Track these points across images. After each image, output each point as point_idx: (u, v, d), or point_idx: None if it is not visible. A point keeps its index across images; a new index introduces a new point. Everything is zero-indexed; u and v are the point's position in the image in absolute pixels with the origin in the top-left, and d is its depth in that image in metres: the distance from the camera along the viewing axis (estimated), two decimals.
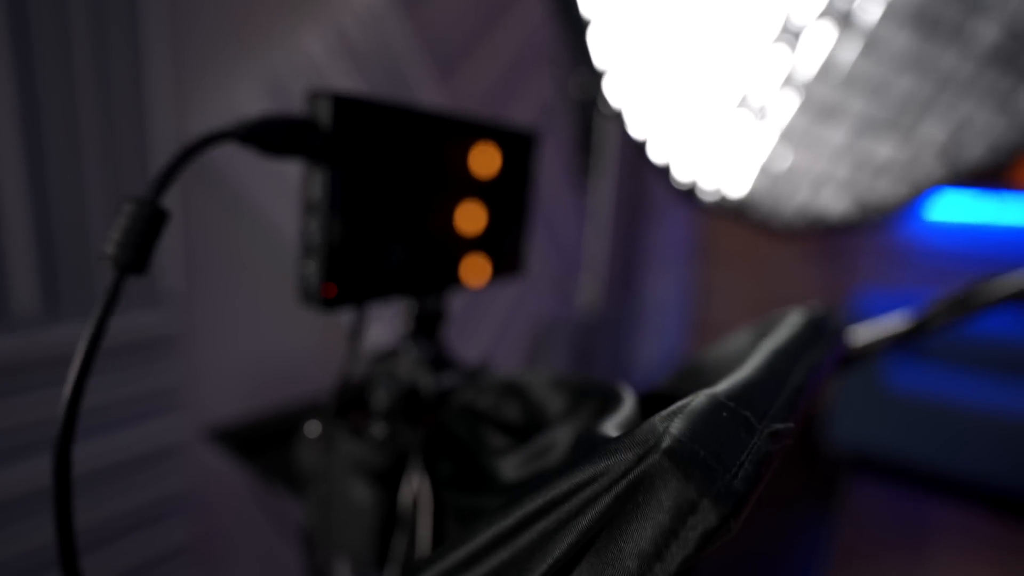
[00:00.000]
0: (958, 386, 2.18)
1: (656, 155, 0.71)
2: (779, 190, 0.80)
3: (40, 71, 0.72)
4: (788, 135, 0.75)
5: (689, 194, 0.75)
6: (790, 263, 3.01)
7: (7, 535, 0.76)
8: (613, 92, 0.66)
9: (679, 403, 0.19)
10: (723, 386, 0.21)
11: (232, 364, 1.03)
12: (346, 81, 1.22)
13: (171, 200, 0.87)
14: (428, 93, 1.44)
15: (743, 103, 0.73)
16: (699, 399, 0.19)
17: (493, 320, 1.73)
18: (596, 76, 0.62)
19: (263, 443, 0.43)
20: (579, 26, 0.57)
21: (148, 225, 0.23)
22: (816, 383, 0.27)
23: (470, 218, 0.38)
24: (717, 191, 0.76)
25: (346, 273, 0.31)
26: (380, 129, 0.31)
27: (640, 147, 0.70)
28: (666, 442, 0.16)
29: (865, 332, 0.43)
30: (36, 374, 0.78)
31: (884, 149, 0.80)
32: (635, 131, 0.68)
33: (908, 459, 2.16)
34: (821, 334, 0.31)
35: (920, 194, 0.86)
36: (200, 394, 0.99)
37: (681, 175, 0.75)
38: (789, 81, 0.71)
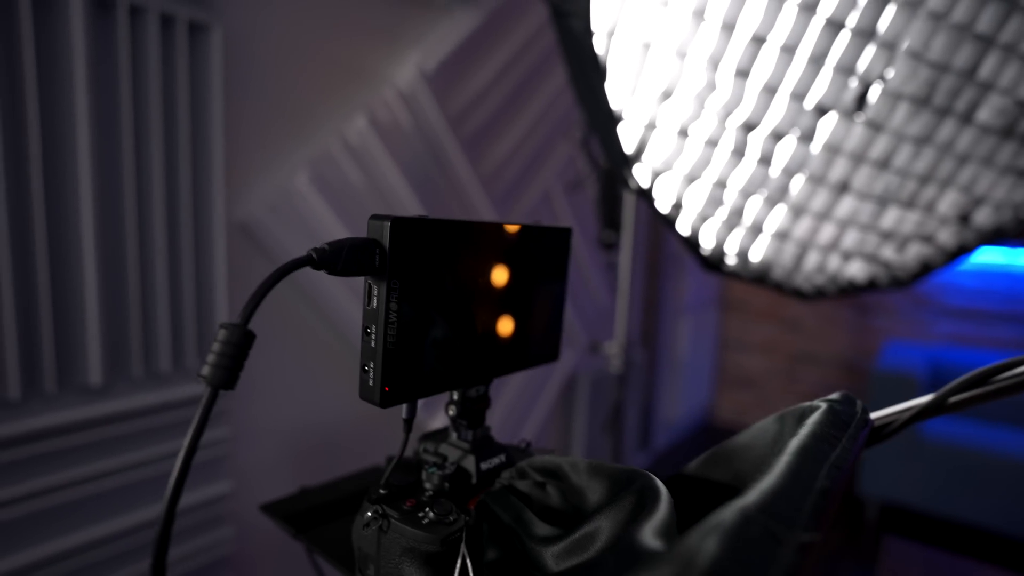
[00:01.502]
0: (991, 437, 2.11)
1: (683, 228, 0.74)
2: (806, 257, 0.82)
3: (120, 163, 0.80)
4: (811, 209, 0.78)
5: (715, 262, 0.77)
6: (818, 315, 2.97)
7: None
8: (640, 173, 0.69)
9: (713, 520, 0.21)
10: (752, 497, 0.23)
11: (277, 430, 1.07)
12: (383, 158, 1.30)
13: (219, 270, 0.93)
14: (459, 168, 1.51)
15: (764, 184, 0.76)
16: (730, 514, 0.21)
17: (524, 376, 1.75)
18: (624, 159, 0.66)
19: (311, 515, 0.46)
20: (610, 120, 0.61)
21: (237, 348, 0.26)
22: (842, 480, 0.29)
23: (507, 321, 0.41)
24: (742, 258, 0.78)
25: (399, 375, 0.34)
26: (432, 244, 0.34)
27: (668, 220, 0.73)
28: (703, 562, 0.18)
29: (887, 414, 0.44)
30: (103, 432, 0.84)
31: (908, 221, 0.81)
32: (662, 206, 0.72)
33: (939, 511, 2.08)
34: (846, 428, 0.33)
35: (950, 259, 0.87)
36: (247, 459, 1.04)
37: (706, 243, 0.78)
38: (805, 164, 0.74)
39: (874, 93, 0.70)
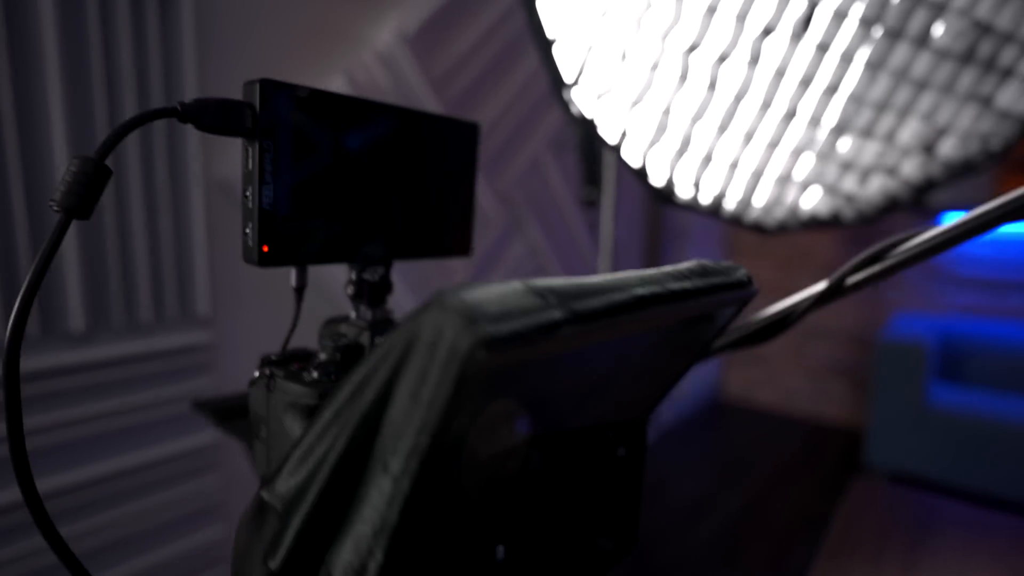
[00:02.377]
0: (1001, 406, 2.07)
1: (630, 156, 0.74)
2: (761, 188, 0.81)
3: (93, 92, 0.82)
4: (762, 137, 0.77)
5: (666, 194, 0.77)
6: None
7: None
8: (582, 98, 0.70)
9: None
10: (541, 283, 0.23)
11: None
12: None
13: (197, 225, 0.96)
14: None
15: (711, 111, 0.76)
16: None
17: None
18: (561, 83, 0.67)
19: (240, 413, 0.48)
20: (546, 42, 0.62)
21: (92, 179, 0.28)
22: (676, 304, 0.29)
23: (402, 204, 0.42)
24: (694, 189, 0.78)
25: (280, 238, 0.35)
26: (311, 113, 0.36)
27: (615, 148, 0.73)
28: (445, 297, 0.19)
29: (790, 304, 0.44)
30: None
31: (868, 151, 0.80)
32: (607, 134, 0.72)
33: (947, 479, 2.04)
34: (707, 272, 0.33)
35: (919, 193, 0.86)
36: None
37: (656, 173, 0.78)
38: (753, 89, 0.74)
39: (821, 14, 0.70)
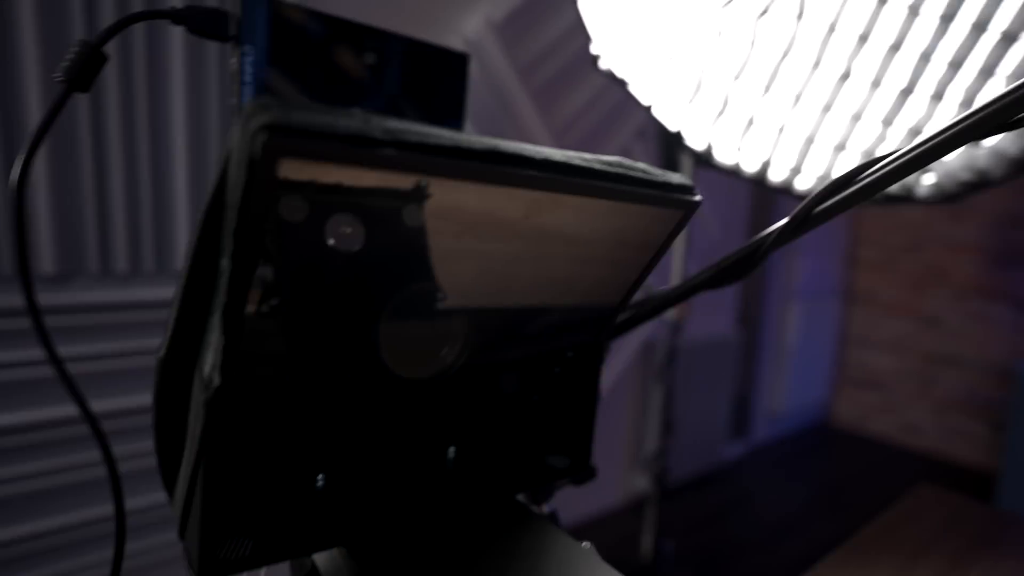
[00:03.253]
0: None
1: (664, 116, 0.73)
2: (814, 155, 0.76)
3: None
4: (813, 99, 0.73)
5: (705, 156, 0.75)
6: (963, 311, 2.57)
7: None
8: (610, 56, 0.70)
9: None
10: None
11: None
12: None
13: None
14: (529, 118, 1.56)
15: (753, 68, 0.73)
16: None
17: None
18: (589, 39, 0.68)
19: None
20: None
21: (91, 60, 0.35)
22: (574, 187, 0.30)
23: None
24: (736, 153, 0.75)
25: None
26: (288, 22, 0.41)
27: (648, 108, 0.73)
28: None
29: (754, 240, 0.43)
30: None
31: (944, 116, 0.73)
32: (641, 94, 0.72)
33: None
34: (625, 166, 0.33)
35: (1015, 165, 0.76)
36: None
37: (693, 134, 0.76)
38: (800, 45, 0.70)
39: None
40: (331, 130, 0.22)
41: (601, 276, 0.38)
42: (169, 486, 0.31)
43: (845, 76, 0.71)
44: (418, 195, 0.29)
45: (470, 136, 0.26)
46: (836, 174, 0.79)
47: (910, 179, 0.77)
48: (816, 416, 2.98)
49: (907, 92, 0.72)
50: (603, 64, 0.70)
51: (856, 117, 0.74)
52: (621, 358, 1.85)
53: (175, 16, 0.38)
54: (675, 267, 1.38)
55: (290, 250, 0.27)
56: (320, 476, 0.35)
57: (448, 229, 0.31)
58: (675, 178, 0.35)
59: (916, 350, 2.74)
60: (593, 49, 0.70)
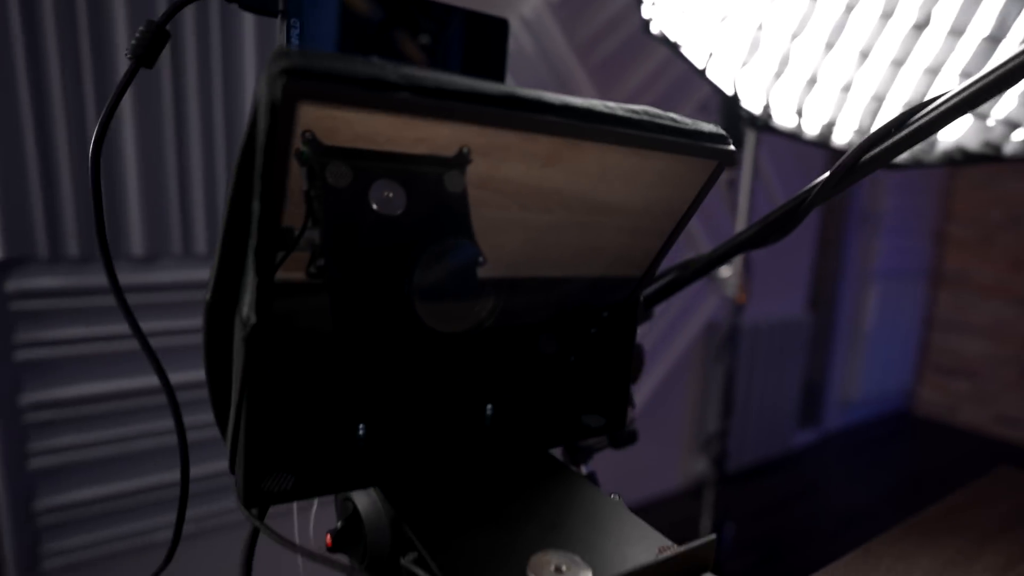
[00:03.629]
0: None
1: (718, 78, 0.71)
2: (885, 114, 0.72)
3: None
4: (884, 54, 0.68)
5: (763, 120, 0.72)
6: None
7: None
8: (658, 13, 0.68)
9: None
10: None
11: None
12: (508, 82, 1.39)
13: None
14: (588, 96, 1.54)
15: (832, 39, 0.69)
16: None
17: (665, 316, 1.72)
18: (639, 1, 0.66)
19: None
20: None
21: (155, 38, 0.38)
22: (601, 134, 0.29)
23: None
24: (797, 115, 0.72)
25: None
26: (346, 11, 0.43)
27: (700, 71, 0.70)
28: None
29: (799, 193, 0.41)
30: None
31: None
32: (691, 53, 0.70)
33: None
34: (652, 114, 0.32)
35: None
36: None
37: (750, 96, 0.74)
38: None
39: None
40: (349, 74, 0.22)
41: (635, 234, 0.38)
42: (222, 425, 0.34)
43: (921, 25, 0.66)
44: (460, 161, 0.30)
45: (490, 83, 0.27)
46: None
47: (997, 136, 0.71)
48: (895, 404, 2.81)
49: (994, 40, 0.66)
50: (654, 28, 0.68)
51: (932, 71, 0.68)
52: (683, 339, 1.82)
53: None
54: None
55: (335, 214, 0.28)
56: (361, 426, 0.37)
57: (487, 199, 0.31)
58: (706, 127, 0.34)
59: (1015, 335, 2.52)
60: (644, 13, 0.68)
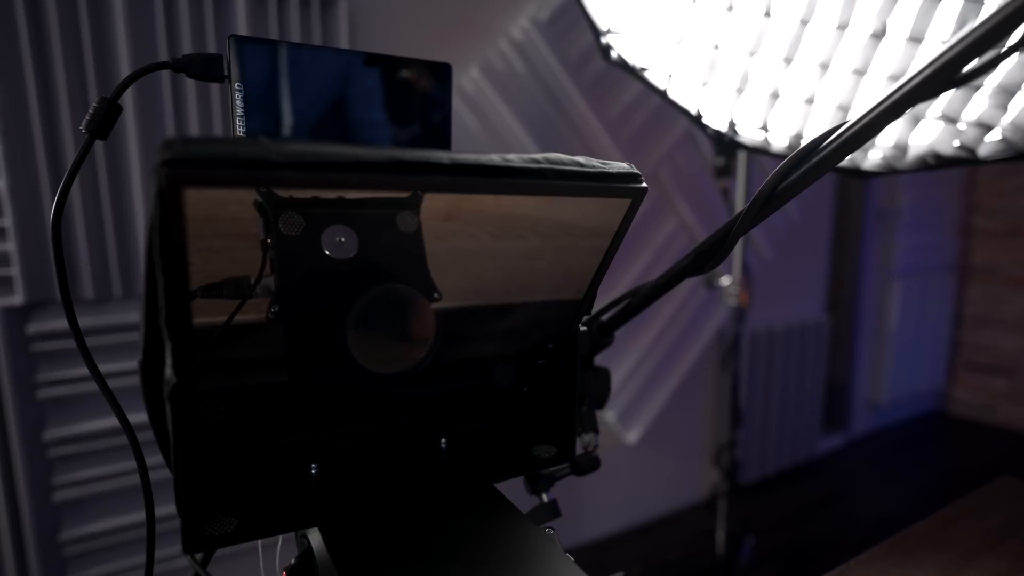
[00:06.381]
0: None
1: (680, 99, 0.72)
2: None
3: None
4: (846, 64, 0.68)
5: (728, 138, 0.73)
6: None
7: None
8: (621, 44, 0.70)
9: None
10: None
11: None
12: (498, 104, 1.41)
13: None
14: (581, 112, 1.55)
15: (791, 53, 0.69)
16: None
17: (675, 325, 1.71)
18: (597, 32, 0.68)
19: None
20: None
21: (108, 113, 0.41)
22: (493, 186, 0.31)
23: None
24: (762, 131, 0.72)
25: None
26: (271, 61, 0.45)
27: (662, 93, 0.71)
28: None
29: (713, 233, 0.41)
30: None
31: (1013, 71, 0.66)
32: (655, 79, 0.71)
33: None
34: (552, 161, 0.33)
35: None
36: None
37: (713, 115, 0.74)
38: (821, 9, 0.66)
39: None
40: (231, 157, 0.25)
41: (563, 270, 0.39)
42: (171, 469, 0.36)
43: (879, 34, 0.66)
44: (414, 201, 0.32)
45: (377, 149, 0.28)
46: (879, 139, 0.74)
47: (970, 138, 0.70)
48: (928, 405, 2.72)
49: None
50: (614, 54, 0.70)
51: (895, 77, 0.68)
52: (695, 349, 1.80)
53: (175, 65, 0.43)
54: (735, 258, 1.32)
55: (288, 261, 0.31)
56: (313, 466, 0.39)
57: (457, 230, 0.33)
58: (615, 167, 0.35)
59: None
60: (603, 40, 0.70)
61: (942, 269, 2.59)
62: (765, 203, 0.39)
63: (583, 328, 0.47)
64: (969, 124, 0.69)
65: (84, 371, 1.08)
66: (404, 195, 0.31)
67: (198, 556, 0.34)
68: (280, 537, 0.47)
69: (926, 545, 0.59)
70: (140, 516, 1.14)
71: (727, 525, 1.40)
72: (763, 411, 2.00)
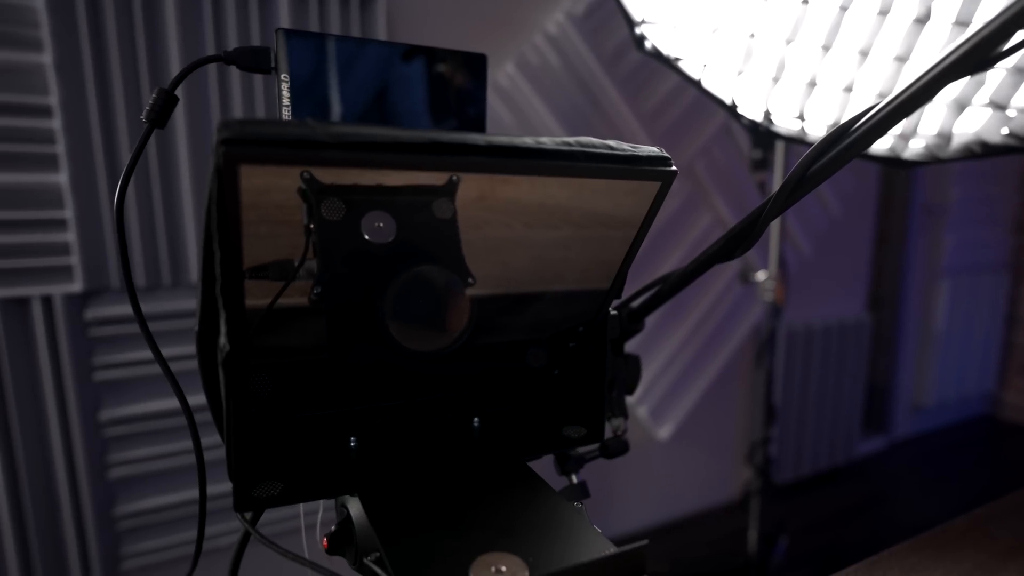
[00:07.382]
0: None
1: (716, 88, 0.71)
2: None
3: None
4: (887, 51, 0.67)
5: (764, 127, 0.72)
6: None
7: None
8: (657, 34, 0.70)
9: None
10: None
11: None
12: (532, 98, 1.42)
13: None
14: (616, 106, 1.55)
15: (829, 40, 0.68)
16: None
17: (710, 320, 1.70)
18: (632, 23, 0.68)
19: None
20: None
21: (166, 103, 0.44)
22: (526, 167, 0.32)
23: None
24: (799, 120, 0.71)
25: None
26: (317, 53, 0.48)
27: (697, 83, 0.71)
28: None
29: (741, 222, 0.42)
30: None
31: None
32: (690, 68, 0.71)
33: None
34: (584, 144, 0.34)
35: None
36: None
37: (749, 104, 0.74)
38: None
39: None
40: (279, 137, 0.26)
41: (593, 259, 0.40)
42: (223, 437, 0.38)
43: (922, 20, 0.65)
44: (449, 189, 0.34)
45: (417, 132, 0.30)
46: (921, 127, 0.72)
47: (987, 130, 0.68)
48: (977, 408, 2.61)
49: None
50: (648, 44, 0.70)
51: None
52: (728, 345, 1.78)
53: (227, 58, 0.46)
54: (772, 253, 1.30)
55: (330, 245, 0.32)
56: (353, 438, 0.41)
57: (490, 219, 0.35)
58: (644, 151, 0.36)
59: None
60: (637, 30, 0.70)
61: (995, 267, 2.49)
62: (796, 186, 0.39)
63: (613, 312, 0.48)
64: (1020, 111, 0.67)
65: (137, 355, 1.13)
66: (440, 183, 0.32)
67: (247, 516, 0.36)
68: (320, 511, 0.49)
69: (966, 539, 0.58)
70: (188, 495, 1.19)
71: (760, 524, 1.38)
72: (799, 410, 1.96)
